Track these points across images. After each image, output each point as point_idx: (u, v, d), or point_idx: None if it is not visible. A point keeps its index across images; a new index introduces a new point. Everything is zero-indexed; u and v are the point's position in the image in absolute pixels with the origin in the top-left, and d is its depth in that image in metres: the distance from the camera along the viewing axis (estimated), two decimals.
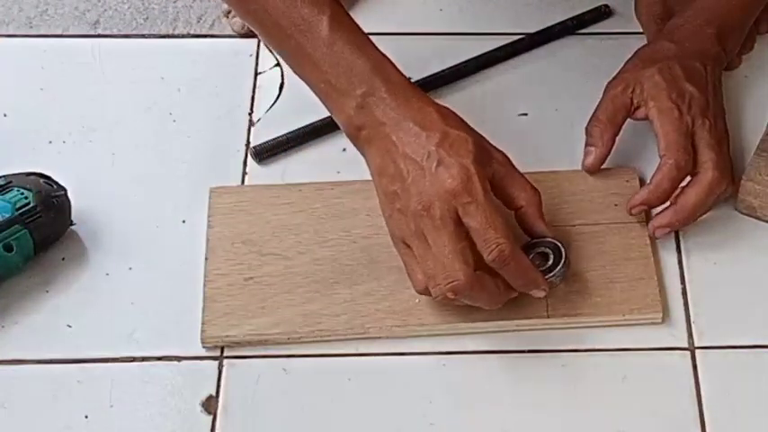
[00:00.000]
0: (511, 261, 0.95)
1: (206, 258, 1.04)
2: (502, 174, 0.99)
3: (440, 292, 0.95)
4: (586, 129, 1.09)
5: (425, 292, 0.97)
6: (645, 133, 1.13)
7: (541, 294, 0.99)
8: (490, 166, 0.98)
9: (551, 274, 0.99)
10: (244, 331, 1.00)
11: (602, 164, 1.08)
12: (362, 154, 1.00)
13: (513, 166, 1.00)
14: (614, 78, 1.09)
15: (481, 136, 0.99)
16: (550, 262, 1.00)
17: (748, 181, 1.06)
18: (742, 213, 1.07)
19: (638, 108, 1.07)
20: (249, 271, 1.03)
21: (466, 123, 0.99)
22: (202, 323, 1.01)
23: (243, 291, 1.02)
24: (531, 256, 1.00)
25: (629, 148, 1.12)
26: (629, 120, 1.09)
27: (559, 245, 1.00)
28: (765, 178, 1.05)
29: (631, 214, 1.05)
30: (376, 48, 1.00)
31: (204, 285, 1.02)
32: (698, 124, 1.05)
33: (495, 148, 1.00)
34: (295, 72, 1.02)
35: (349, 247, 1.04)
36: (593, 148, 1.08)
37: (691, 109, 1.05)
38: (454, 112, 0.99)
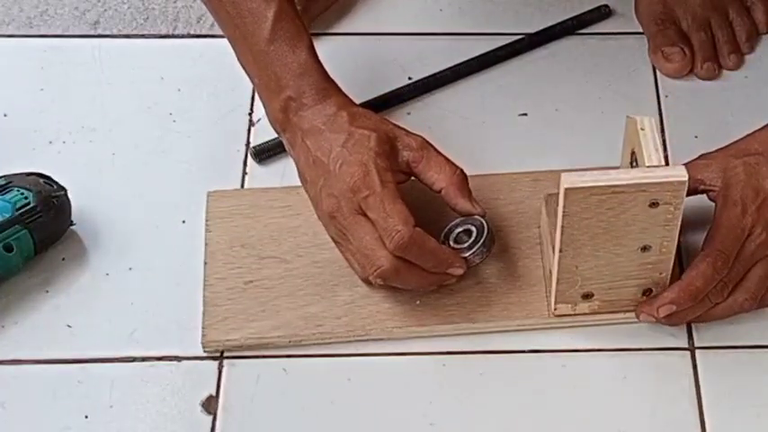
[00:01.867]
0: (412, 246, 0.96)
1: (205, 263, 1.04)
2: (416, 160, 1.00)
3: (372, 280, 0.98)
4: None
5: (366, 282, 1.01)
6: None
7: (458, 272, 0.99)
8: (399, 156, 1.00)
9: (470, 251, 0.99)
10: (244, 335, 1.00)
11: None
12: (290, 154, 1.03)
13: (430, 150, 1.01)
14: (708, 153, 1.02)
15: (394, 129, 1.01)
16: (471, 240, 1.00)
17: (545, 201, 1.02)
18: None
19: (710, 191, 1.00)
20: (248, 274, 1.03)
21: (377, 122, 1.01)
22: (203, 327, 1.00)
23: (243, 294, 1.02)
24: (457, 233, 1.00)
25: None
26: (626, 114, 1.08)
27: (484, 222, 1.00)
28: (555, 210, 0.98)
29: (657, 317, 0.98)
30: (310, 49, 1.02)
31: (204, 289, 1.02)
32: (756, 233, 0.97)
33: (410, 136, 1.01)
34: (237, 59, 1.04)
35: None
36: None
37: (759, 211, 0.97)
38: (368, 112, 1.02)
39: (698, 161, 1.01)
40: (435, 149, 1.01)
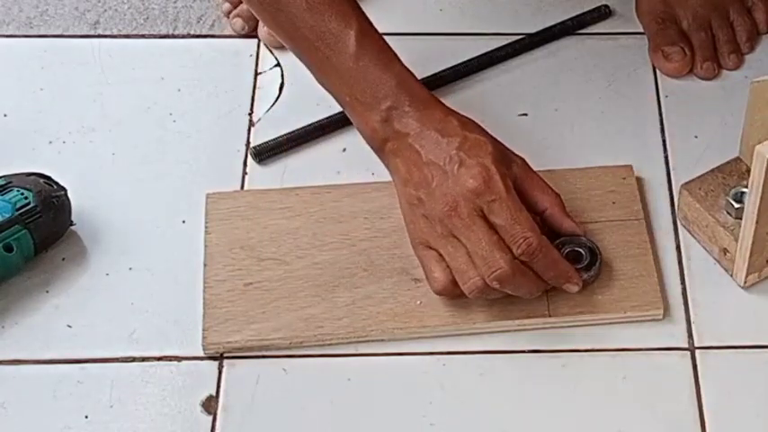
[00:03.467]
0: (539, 253, 0.97)
1: (204, 265, 1.04)
2: (522, 177, 1.01)
3: (474, 286, 0.97)
4: None
5: (445, 291, 0.99)
6: (643, 130, 1.14)
7: (575, 289, 1.01)
8: (510, 168, 1.01)
9: (588, 273, 1.01)
10: (245, 337, 1.00)
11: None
12: (387, 166, 1.02)
13: (532, 171, 1.02)
14: None
15: (500, 142, 1.01)
16: (586, 261, 1.01)
17: (686, 190, 1.05)
18: (681, 224, 1.07)
19: None
20: (248, 276, 1.03)
21: (485, 130, 1.01)
22: (203, 329, 1.00)
23: (243, 296, 1.02)
24: (566, 252, 1.02)
25: (627, 146, 1.12)
26: (626, 114, 1.08)
27: (593, 245, 1.02)
28: (702, 193, 1.04)
29: None
30: (401, 62, 1.02)
31: (204, 292, 1.02)
32: None
33: (513, 153, 1.02)
34: (319, 82, 1.04)
35: (348, 250, 1.04)
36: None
37: None
38: (474, 121, 1.02)
39: None
40: (535, 172, 1.03)
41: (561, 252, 1.01)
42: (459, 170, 0.98)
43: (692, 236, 1.06)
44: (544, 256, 0.98)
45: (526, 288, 0.99)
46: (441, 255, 0.99)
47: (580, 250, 1.02)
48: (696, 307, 1.03)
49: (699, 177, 1.06)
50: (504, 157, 1.00)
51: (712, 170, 1.06)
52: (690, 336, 1.02)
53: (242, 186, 1.11)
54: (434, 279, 0.99)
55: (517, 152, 1.12)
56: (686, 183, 1.05)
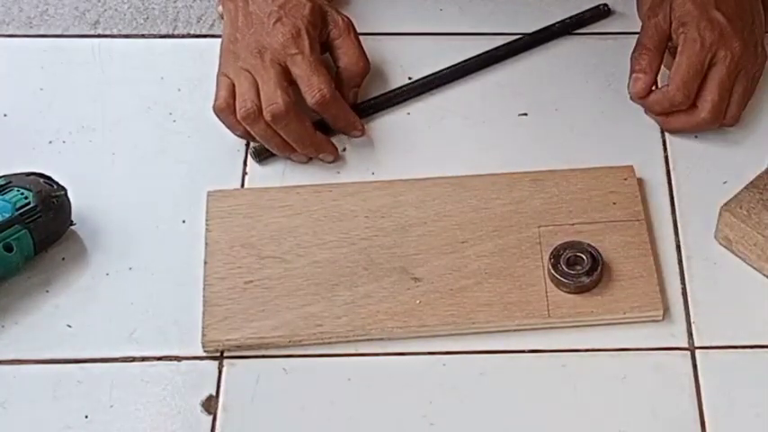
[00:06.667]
0: (332, 104, 1.09)
1: (205, 262, 1.04)
2: (335, 36, 1.13)
3: (246, 109, 1.07)
4: (632, 56, 1.12)
5: (222, 109, 1.10)
6: (643, 130, 1.14)
7: (358, 135, 1.12)
8: (325, 29, 1.12)
9: (589, 278, 1.01)
10: (244, 335, 1.00)
11: (649, 91, 1.11)
12: (223, 7, 1.15)
13: (351, 33, 1.13)
14: (648, 8, 1.11)
15: (326, 4, 1.13)
16: (587, 266, 1.01)
17: (727, 211, 1.04)
18: (720, 243, 1.06)
19: (671, 37, 1.09)
20: (248, 274, 1.03)
21: None
22: (203, 327, 1.00)
23: (243, 294, 1.02)
24: (568, 256, 1.02)
25: (627, 146, 1.12)
26: (626, 114, 1.09)
27: (594, 249, 1.02)
28: (744, 213, 1.03)
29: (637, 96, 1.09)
30: None
31: (204, 289, 1.02)
32: (719, 56, 1.06)
33: (340, 15, 1.13)
34: None
35: (348, 249, 1.04)
36: (642, 75, 1.11)
37: (716, 40, 1.06)
38: None
39: (653, 20, 1.10)
40: (356, 35, 1.13)
41: (561, 256, 1.02)
42: (274, 25, 1.10)
43: (736, 255, 1.05)
44: (336, 108, 1.10)
45: (296, 133, 1.08)
46: (235, 85, 1.09)
47: (581, 255, 1.02)
48: (696, 307, 1.03)
49: (735, 197, 1.04)
50: (322, 21, 1.12)
51: (747, 187, 1.05)
52: (690, 336, 1.01)
53: (242, 186, 1.11)
54: (218, 97, 1.10)
55: (517, 152, 1.12)
56: (725, 204, 1.04)
